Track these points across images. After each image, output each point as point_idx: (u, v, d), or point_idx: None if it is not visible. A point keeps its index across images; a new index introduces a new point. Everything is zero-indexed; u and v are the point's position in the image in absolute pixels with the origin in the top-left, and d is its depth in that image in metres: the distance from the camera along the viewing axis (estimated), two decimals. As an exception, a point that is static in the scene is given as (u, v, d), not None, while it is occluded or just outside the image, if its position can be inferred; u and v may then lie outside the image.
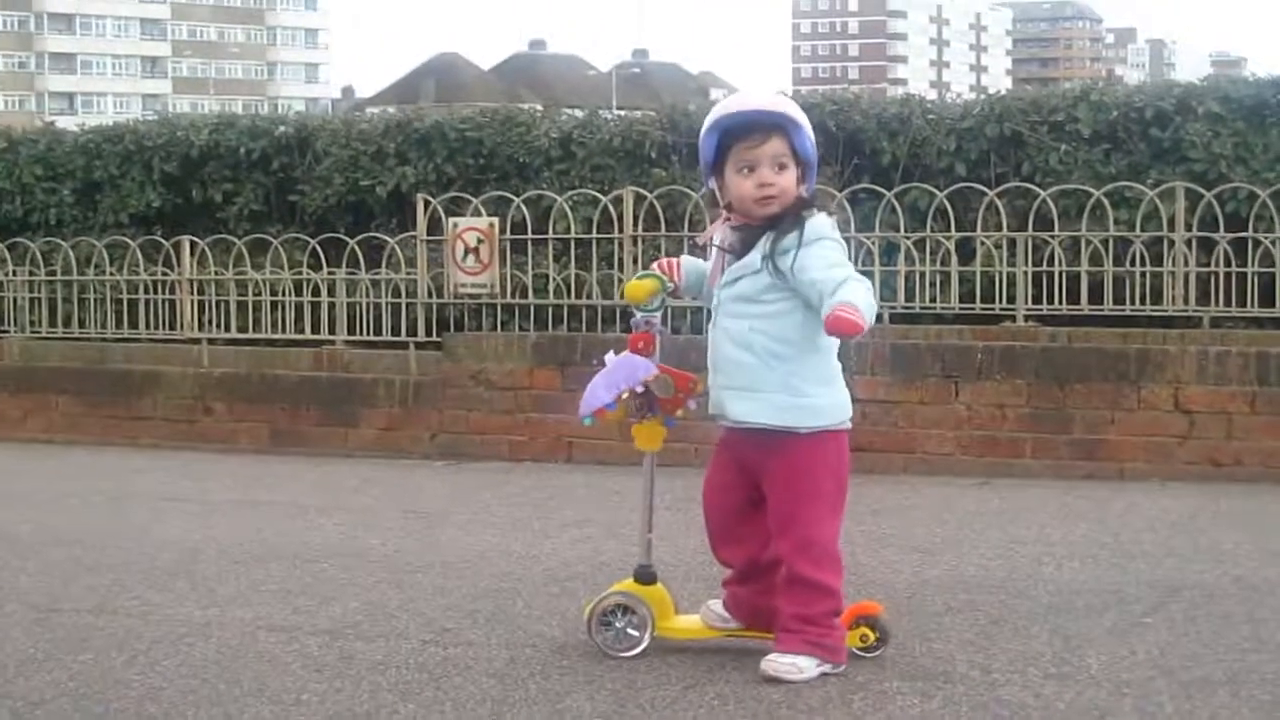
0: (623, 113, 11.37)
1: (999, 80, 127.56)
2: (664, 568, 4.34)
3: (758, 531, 4.07)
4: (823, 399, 3.99)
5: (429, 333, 9.51)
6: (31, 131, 12.42)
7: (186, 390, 9.70)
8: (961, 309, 8.85)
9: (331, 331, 9.90)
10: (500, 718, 3.71)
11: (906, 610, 4.58)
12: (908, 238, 8.90)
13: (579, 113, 11.09)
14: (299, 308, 10.01)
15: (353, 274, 9.88)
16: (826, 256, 3.88)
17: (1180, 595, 4.81)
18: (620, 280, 8.84)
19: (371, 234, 10.15)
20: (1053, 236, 8.72)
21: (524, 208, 9.53)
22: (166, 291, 10.50)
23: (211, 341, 10.21)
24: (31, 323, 11.04)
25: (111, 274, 10.62)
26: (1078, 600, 4.75)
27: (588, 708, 3.75)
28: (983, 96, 10.07)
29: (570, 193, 9.74)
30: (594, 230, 9.40)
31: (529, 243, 9.57)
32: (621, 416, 4.15)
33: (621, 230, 9.26)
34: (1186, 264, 8.50)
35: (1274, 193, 8.36)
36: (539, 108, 11.86)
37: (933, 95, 11.16)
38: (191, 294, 10.39)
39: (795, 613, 3.94)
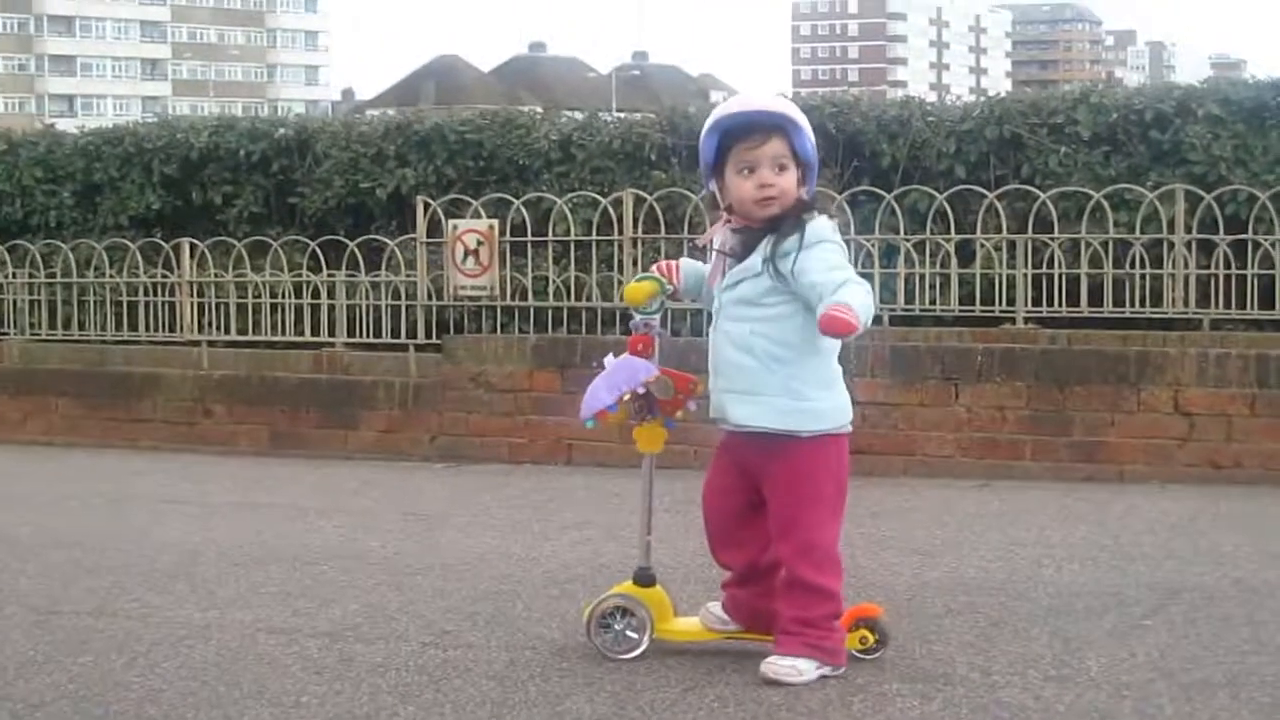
0: (622, 115, 11.38)
1: (999, 82, 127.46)
2: (663, 570, 4.34)
3: (757, 535, 4.07)
4: (824, 402, 3.99)
5: (429, 335, 9.52)
6: (31, 134, 12.43)
7: (186, 392, 9.70)
8: (961, 311, 8.86)
9: (331, 334, 9.91)
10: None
11: (906, 612, 4.58)
12: (907, 240, 8.91)
13: (579, 115, 11.09)
14: (299, 310, 10.02)
15: (352, 276, 9.89)
16: (827, 259, 3.88)
17: (1180, 597, 4.81)
18: (620, 282, 8.84)
19: (371, 236, 10.16)
20: (1052, 239, 8.72)
21: (524, 210, 9.54)
22: (166, 294, 10.51)
23: (211, 344, 10.22)
24: (31, 325, 11.05)
25: (111, 276, 10.63)
26: (1078, 602, 4.75)
27: (587, 710, 3.75)
28: (982, 99, 10.06)
29: (570, 195, 9.74)
30: (594, 232, 9.40)
31: (529, 245, 9.58)
32: (623, 418, 4.16)
33: (621, 232, 9.26)
34: (1186, 266, 8.51)
35: (1274, 195, 8.36)
36: (539, 110, 11.86)
37: (932, 97, 11.15)
38: (191, 296, 10.39)
39: (795, 616, 3.94)
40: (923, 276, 8.91)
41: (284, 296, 10.07)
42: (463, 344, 8.94)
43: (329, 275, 9.98)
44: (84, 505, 7.39)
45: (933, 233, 8.92)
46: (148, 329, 10.55)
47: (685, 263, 4.26)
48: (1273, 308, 8.30)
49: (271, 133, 11.31)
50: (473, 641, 4.41)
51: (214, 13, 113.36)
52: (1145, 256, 8.58)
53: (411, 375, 9.27)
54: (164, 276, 10.50)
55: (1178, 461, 7.45)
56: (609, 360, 4.16)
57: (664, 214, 9.16)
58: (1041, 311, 8.73)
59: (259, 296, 10.14)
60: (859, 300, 3.73)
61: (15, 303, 11.10)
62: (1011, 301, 8.74)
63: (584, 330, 9.31)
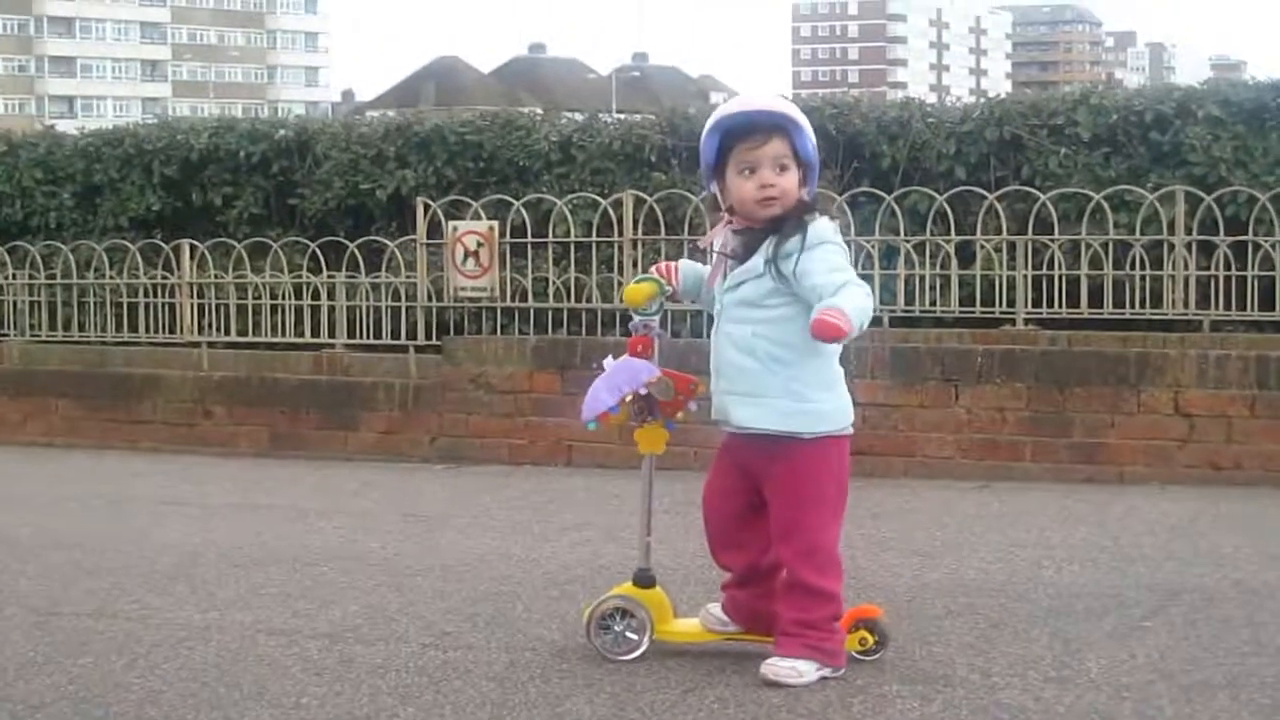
0: (622, 116, 11.38)
1: (999, 84, 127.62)
2: (663, 571, 4.34)
3: (758, 537, 4.07)
4: (826, 404, 3.98)
5: (429, 336, 9.52)
6: (31, 135, 12.42)
7: (186, 394, 9.70)
8: (961, 312, 8.86)
9: (331, 335, 9.91)
10: (500, 721, 3.72)
11: (906, 614, 4.58)
12: (907, 241, 8.91)
13: (579, 116, 11.09)
14: (299, 311, 10.02)
15: (352, 277, 9.89)
16: (829, 260, 3.87)
17: (1180, 599, 4.81)
18: (620, 284, 8.84)
19: (371, 237, 10.16)
20: (1052, 240, 8.73)
21: (524, 211, 9.54)
22: (166, 295, 10.51)
23: (211, 345, 10.22)
24: (31, 326, 11.05)
25: (111, 277, 10.63)
26: (1077, 604, 4.75)
27: (587, 711, 3.75)
28: (982, 100, 10.06)
29: (570, 196, 9.74)
30: (594, 234, 9.40)
31: (529, 246, 9.58)
32: (624, 420, 4.16)
33: (621, 234, 9.27)
34: (1186, 267, 8.51)
35: (1274, 196, 8.37)
36: (539, 111, 11.86)
37: (932, 99, 11.14)
38: (191, 297, 10.40)
39: (796, 617, 3.94)
40: (923, 278, 8.91)
41: (284, 298, 10.07)
42: (463, 345, 8.94)
43: (329, 276, 9.99)
44: (84, 506, 7.39)
45: (933, 234, 8.92)
46: (148, 330, 10.55)
47: (684, 264, 4.26)
48: (1273, 309, 8.30)
49: (271, 134, 11.31)
50: (473, 643, 4.41)
51: (214, 14, 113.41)
52: (1145, 258, 8.58)
53: (411, 376, 9.27)
54: (164, 278, 10.50)
55: (1178, 463, 7.46)
56: (608, 362, 4.16)
57: (664, 215, 9.17)
58: (1041, 313, 8.73)
59: (259, 298, 10.14)
60: (854, 303, 3.72)
61: (15, 304, 11.10)
62: (1011, 303, 8.75)
63: (584, 331, 9.31)
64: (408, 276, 9.67)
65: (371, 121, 11.67)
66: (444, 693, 3.92)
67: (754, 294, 3.96)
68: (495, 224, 9.48)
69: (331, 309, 9.93)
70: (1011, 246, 8.78)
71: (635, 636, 4.14)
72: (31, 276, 11.00)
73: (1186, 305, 8.50)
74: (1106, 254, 8.65)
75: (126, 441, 9.72)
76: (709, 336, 4.15)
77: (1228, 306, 8.46)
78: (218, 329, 10.31)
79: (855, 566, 4.89)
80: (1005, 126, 9.40)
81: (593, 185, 10.05)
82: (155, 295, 10.56)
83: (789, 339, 3.92)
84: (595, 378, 4.14)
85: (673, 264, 4.25)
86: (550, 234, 9.53)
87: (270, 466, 8.86)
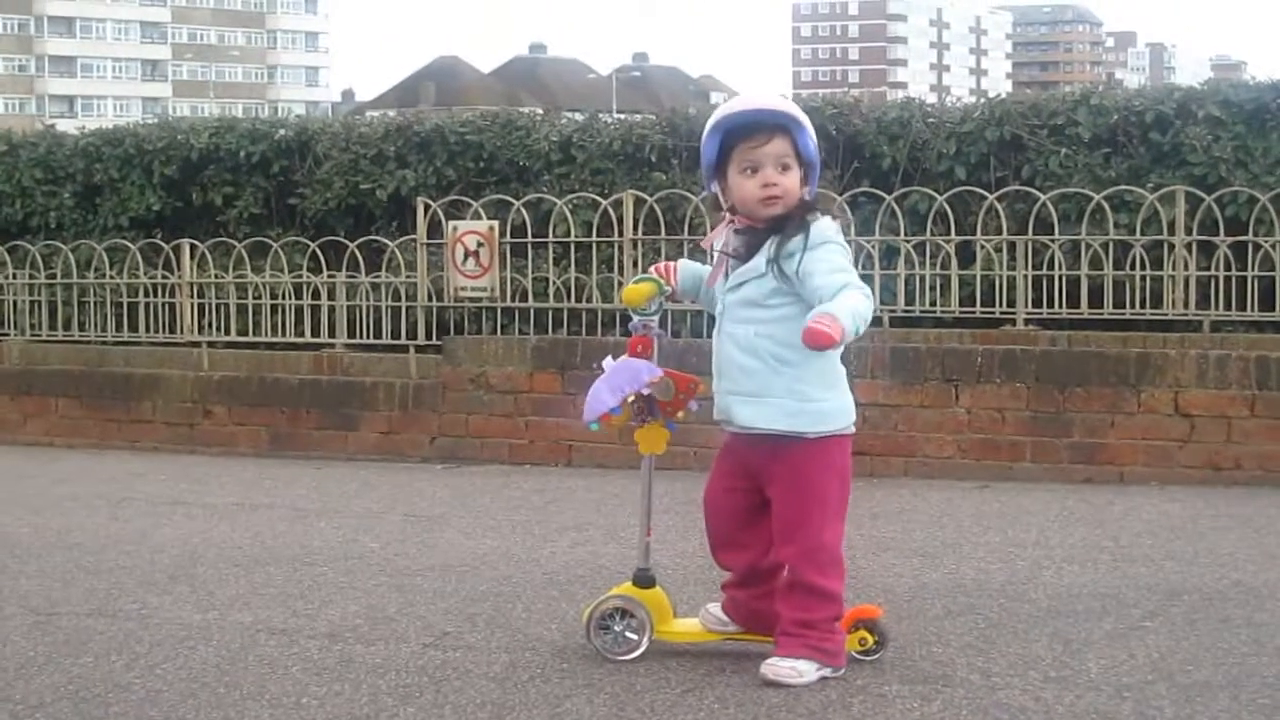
0: (623, 116, 11.38)
1: (999, 84, 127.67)
2: (663, 571, 4.34)
3: (759, 537, 4.07)
4: (829, 403, 3.98)
5: (429, 336, 9.52)
6: (31, 134, 12.41)
7: (186, 393, 9.70)
8: (961, 312, 8.86)
9: (331, 335, 9.91)
10: (500, 721, 3.72)
11: (906, 614, 4.58)
12: (908, 241, 8.91)
13: (579, 116, 11.09)
14: (299, 311, 10.02)
15: (353, 277, 9.89)
16: (831, 260, 3.87)
17: (1180, 599, 4.81)
18: (620, 284, 8.84)
19: (371, 237, 10.16)
20: (1053, 240, 8.73)
21: (524, 211, 9.54)
22: (166, 295, 10.52)
23: (211, 345, 10.23)
24: (31, 326, 11.05)
25: (111, 277, 10.64)
26: (1077, 604, 4.75)
27: (587, 711, 3.75)
28: (983, 100, 10.05)
29: (570, 196, 9.74)
30: (594, 234, 9.40)
31: (529, 246, 9.58)
32: (625, 420, 4.16)
33: (621, 234, 9.27)
34: (1186, 268, 8.51)
35: (1274, 196, 8.37)
36: (539, 111, 11.84)
37: (933, 99, 11.13)
38: (191, 297, 10.40)
39: (796, 617, 3.94)
40: (923, 278, 8.91)
41: (284, 297, 10.08)
42: (463, 345, 8.94)
43: (329, 276, 9.99)
44: (84, 506, 7.39)
45: (933, 234, 8.93)
46: (148, 330, 10.55)
47: (683, 264, 4.26)
48: (1273, 309, 8.30)
49: (272, 134, 11.31)
50: (472, 642, 4.41)
51: (214, 14, 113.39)
52: (1145, 258, 8.59)
53: (412, 376, 9.27)
54: (164, 277, 10.50)
55: (1178, 463, 7.46)
56: (608, 363, 4.16)
57: (664, 215, 9.17)
58: (1042, 313, 8.73)
59: (259, 297, 10.14)
60: (851, 307, 3.69)
61: (15, 303, 11.11)
62: (1012, 303, 8.75)
63: (584, 331, 9.31)
64: (408, 276, 9.67)
65: (371, 121, 11.66)
66: (444, 693, 3.92)
67: (756, 294, 3.96)
68: (495, 224, 9.48)
69: (331, 309, 9.93)
70: (1011, 246, 8.78)
71: (635, 636, 4.14)
72: (32, 276, 11.00)
73: (1186, 305, 8.50)
74: (1107, 254, 8.65)
75: (126, 441, 9.73)
76: (709, 336, 4.15)
77: (1228, 307, 8.46)
78: (218, 329, 10.31)
79: (855, 567, 4.89)
80: (1005, 127, 9.39)
81: (593, 185, 10.05)
82: (155, 295, 10.56)
83: (792, 339, 3.90)
84: (595, 378, 4.14)
85: (671, 264, 4.25)
86: (550, 234, 9.53)
87: (270, 466, 8.86)
